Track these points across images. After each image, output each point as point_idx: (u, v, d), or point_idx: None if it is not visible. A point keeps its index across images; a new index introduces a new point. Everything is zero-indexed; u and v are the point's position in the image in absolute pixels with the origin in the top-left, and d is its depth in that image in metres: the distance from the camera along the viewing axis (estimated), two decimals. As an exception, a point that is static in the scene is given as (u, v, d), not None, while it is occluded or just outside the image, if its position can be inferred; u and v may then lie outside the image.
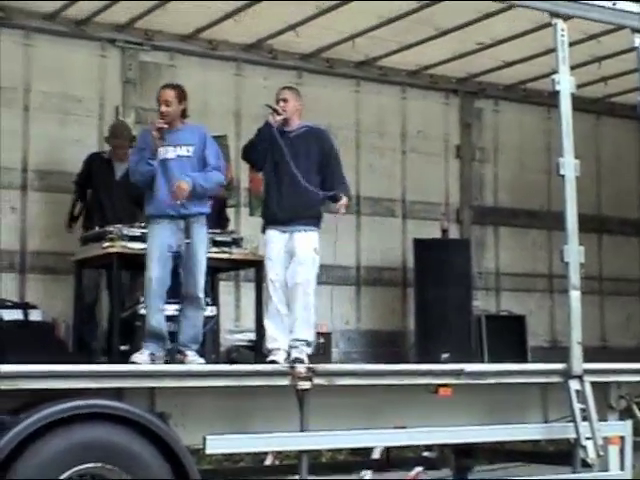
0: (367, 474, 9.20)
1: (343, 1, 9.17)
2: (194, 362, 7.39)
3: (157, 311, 7.47)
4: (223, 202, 9.65)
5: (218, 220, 9.19)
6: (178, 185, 7.29)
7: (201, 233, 7.55)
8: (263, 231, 7.79)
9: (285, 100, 7.89)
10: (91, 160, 9.26)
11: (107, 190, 9.12)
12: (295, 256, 7.62)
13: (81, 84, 9.68)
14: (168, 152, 7.45)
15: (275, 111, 7.77)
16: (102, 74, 9.85)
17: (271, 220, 7.73)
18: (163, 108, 7.46)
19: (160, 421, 6.13)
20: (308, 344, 7.63)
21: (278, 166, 7.70)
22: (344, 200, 7.71)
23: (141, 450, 6.00)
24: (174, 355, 7.58)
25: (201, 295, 7.55)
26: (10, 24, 9.33)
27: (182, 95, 7.59)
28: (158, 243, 7.45)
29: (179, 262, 7.50)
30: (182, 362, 7.39)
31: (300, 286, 7.60)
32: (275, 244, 7.67)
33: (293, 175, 7.58)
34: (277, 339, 7.63)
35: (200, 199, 7.51)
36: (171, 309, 7.86)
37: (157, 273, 7.42)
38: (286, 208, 7.64)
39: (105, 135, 9.48)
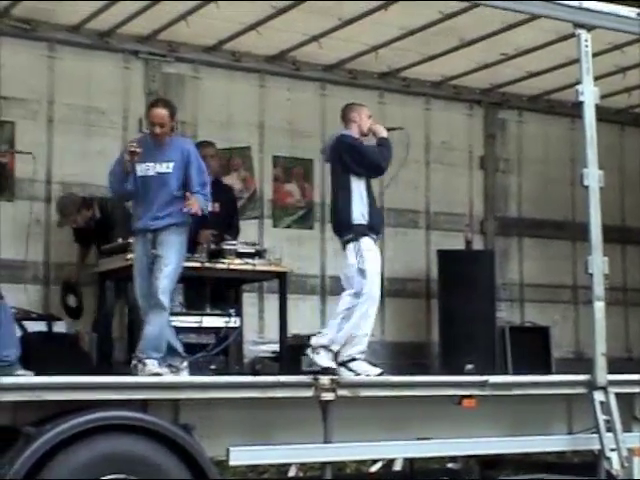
0: None
1: (365, 14, 9.15)
2: (152, 372, 6.98)
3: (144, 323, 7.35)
4: (233, 211, 9.63)
5: (227, 229, 9.23)
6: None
7: (170, 241, 7.35)
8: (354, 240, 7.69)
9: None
10: None
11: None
12: None
13: (104, 96, 9.71)
14: (149, 169, 7.39)
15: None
16: (125, 86, 9.86)
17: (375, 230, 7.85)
18: (158, 130, 7.40)
19: (184, 432, 6.16)
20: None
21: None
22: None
23: (165, 462, 6.03)
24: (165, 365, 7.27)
25: (162, 298, 7.18)
26: (34, 36, 9.37)
27: (173, 111, 7.52)
28: (136, 257, 7.49)
29: None
30: (139, 371, 7.02)
31: None
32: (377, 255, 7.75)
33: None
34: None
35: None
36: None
37: (138, 285, 7.43)
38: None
39: None
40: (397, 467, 9.40)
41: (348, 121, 8.13)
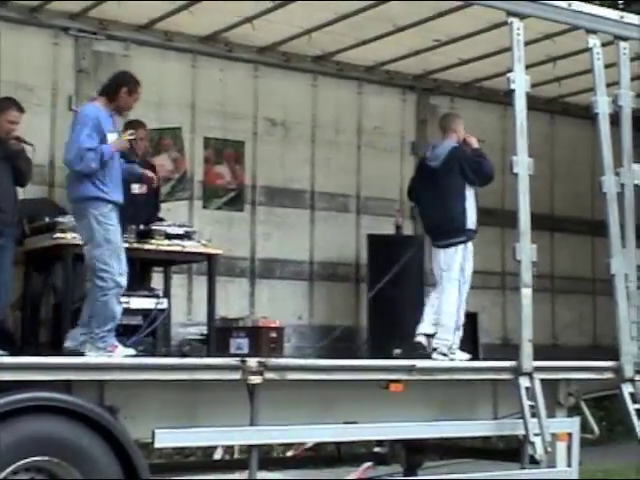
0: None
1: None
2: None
3: None
4: (156, 190, 9.54)
5: (155, 210, 9.19)
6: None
7: None
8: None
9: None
10: None
11: None
12: None
13: (33, 72, 9.55)
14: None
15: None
16: (55, 63, 9.71)
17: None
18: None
19: (109, 414, 6.10)
20: None
21: None
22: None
23: (89, 443, 5.97)
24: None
25: None
26: (-42, 10, 9.21)
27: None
28: (116, 230, 7.47)
29: None
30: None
31: None
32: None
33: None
34: None
35: None
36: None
37: (124, 258, 7.48)
38: None
39: None
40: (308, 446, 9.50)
41: (449, 130, 8.95)
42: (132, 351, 7.35)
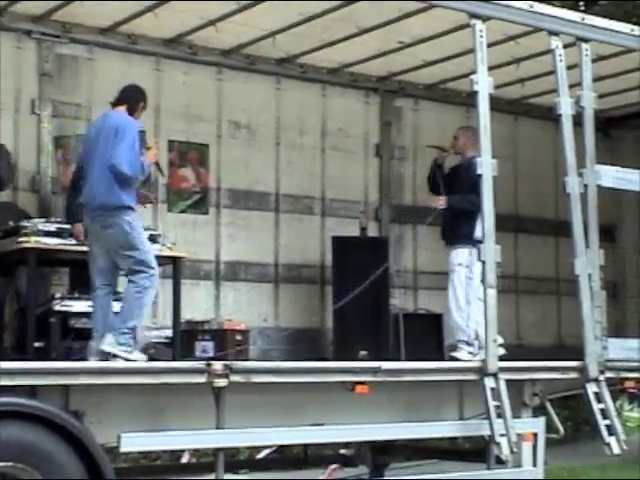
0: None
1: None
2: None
3: None
4: None
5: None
6: None
7: None
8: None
9: (456, 138, 9.70)
10: None
11: None
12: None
13: (-5, 76, 9.49)
14: None
15: (441, 149, 9.73)
16: (18, 66, 9.64)
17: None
18: None
19: (74, 419, 6.07)
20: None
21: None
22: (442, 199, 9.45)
23: (54, 449, 5.94)
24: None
25: None
26: None
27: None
28: None
29: None
30: None
31: None
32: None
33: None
34: None
35: None
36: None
37: None
38: None
39: None
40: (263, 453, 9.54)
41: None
42: (144, 357, 7.43)
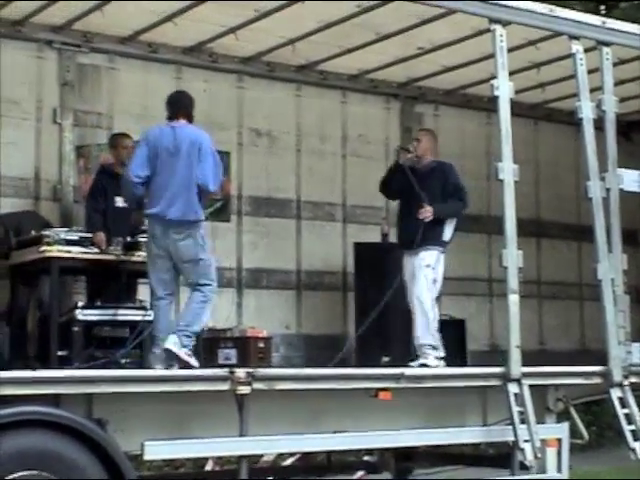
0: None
1: (284, 1, 9.11)
2: None
3: None
4: None
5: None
6: None
7: None
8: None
9: (418, 140, 9.28)
10: None
11: None
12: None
13: (17, 86, 9.53)
14: None
15: (406, 150, 9.24)
16: (39, 76, 9.70)
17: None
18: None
19: (98, 427, 6.08)
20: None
21: (409, 197, 9.03)
22: (428, 210, 8.86)
23: (78, 457, 5.96)
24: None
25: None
26: (-59, 24, 9.19)
27: None
28: None
29: None
30: None
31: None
32: (404, 266, 9.08)
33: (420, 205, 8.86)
34: None
35: None
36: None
37: None
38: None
39: None
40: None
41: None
42: (197, 363, 7.50)
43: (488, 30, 8.10)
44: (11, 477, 5.73)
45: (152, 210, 7.71)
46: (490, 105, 8.45)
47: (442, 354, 8.67)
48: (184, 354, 7.33)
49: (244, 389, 6.61)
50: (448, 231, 9.01)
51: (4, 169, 9.30)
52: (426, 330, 8.74)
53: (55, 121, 9.70)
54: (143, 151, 7.75)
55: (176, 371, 7.17)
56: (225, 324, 10.11)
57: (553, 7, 8.32)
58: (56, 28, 9.64)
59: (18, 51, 9.58)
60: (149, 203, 7.77)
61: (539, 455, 7.58)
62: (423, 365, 8.46)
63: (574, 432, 8.35)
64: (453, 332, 11.06)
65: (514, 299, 7.73)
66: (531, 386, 7.67)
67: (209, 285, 7.70)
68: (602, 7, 17.87)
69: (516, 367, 7.63)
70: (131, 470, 6.20)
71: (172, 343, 7.35)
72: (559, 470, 8.13)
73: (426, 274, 8.85)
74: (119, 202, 8.99)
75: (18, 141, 9.44)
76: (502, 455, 8.39)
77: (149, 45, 10.12)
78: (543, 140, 12.51)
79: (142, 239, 8.69)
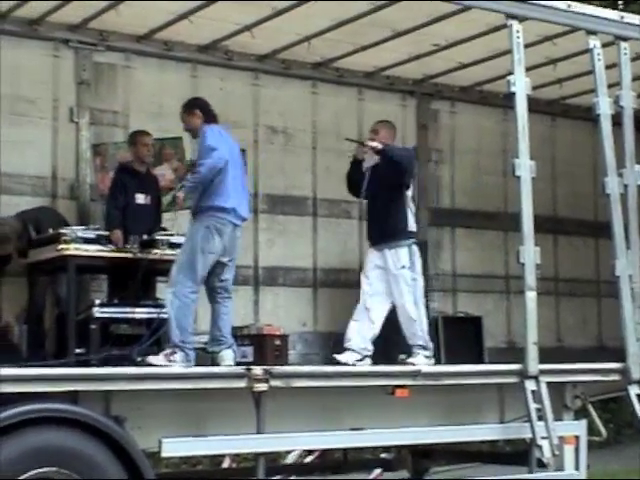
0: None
1: (299, 1, 9.11)
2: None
3: None
4: (159, 200, 9.58)
5: (159, 220, 9.30)
6: None
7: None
8: None
9: (375, 131, 8.89)
10: None
11: None
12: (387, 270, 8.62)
13: (34, 85, 9.56)
14: None
15: (361, 144, 8.89)
16: (55, 75, 9.72)
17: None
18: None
19: (115, 424, 6.10)
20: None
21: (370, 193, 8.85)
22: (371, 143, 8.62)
23: (96, 454, 5.98)
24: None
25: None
26: (-42, 24, 9.21)
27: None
28: None
29: None
30: None
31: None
32: (371, 260, 8.77)
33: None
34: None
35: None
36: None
37: None
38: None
39: None
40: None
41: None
42: (232, 361, 7.74)
43: (504, 26, 8.08)
44: (30, 474, 5.76)
45: (228, 204, 7.72)
46: (507, 101, 8.42)
47: (431, 352, 8.52)
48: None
49: (261, 386, 6.62)
50: (412, 219, 8.76)
51: (22, 168, 9.33)
52: (413, 332, 8.55)
53: (72, 120, 9.72)
54: (223, 145, 7.85)
55: (193, 369, 7.18)
56: (242, 322, 10.12)
57: (570, 2, 8.29)
58: (72, 27, 9.66)
59: (34, 50, 9.60)
60: (219, 196, 7.72)
61: (557, 452, 7.57)
62: (410, 364, 8.27)
63: (592, 429, 8.33)
64: (470, 329, 11.08)
65: (531, 296, 7.70)
66: (548, 383, 7.65)
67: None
68: (620, 2, 17.79)
69: (533, 364, 7.62)
70: (149, 467, 6.22)
71: (231, 359, 7.68)
72: (577, 467, 8.12)
73: (404, 277, 8.60)
74: (140, 199, 9.04)
75: (35, 140, 9.46)
76: (519, 452, 8.37)
77: (165, 43, 10.13)
78: (560, 136, 12.47)
79: (159, 237, 8.72)
